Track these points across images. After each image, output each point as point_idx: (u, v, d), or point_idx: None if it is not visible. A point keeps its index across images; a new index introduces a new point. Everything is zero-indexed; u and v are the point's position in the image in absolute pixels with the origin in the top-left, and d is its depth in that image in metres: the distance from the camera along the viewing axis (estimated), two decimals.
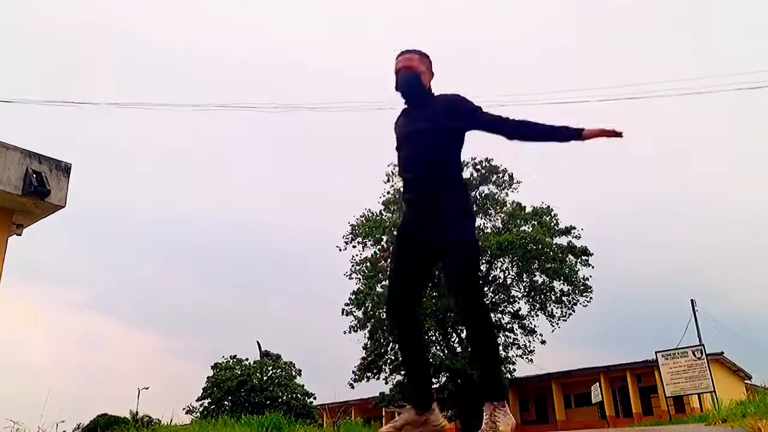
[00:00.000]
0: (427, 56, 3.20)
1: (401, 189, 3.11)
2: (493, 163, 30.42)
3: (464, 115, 3.04)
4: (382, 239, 29.29)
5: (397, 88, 3.14)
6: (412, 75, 3.11)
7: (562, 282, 28.35)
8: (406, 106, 3.18)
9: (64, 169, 5.56)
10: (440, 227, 2.81)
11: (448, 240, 2.78)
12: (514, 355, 28.83)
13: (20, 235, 5.84)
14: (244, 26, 73.87)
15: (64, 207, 5.55)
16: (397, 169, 3.15)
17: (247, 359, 36.73)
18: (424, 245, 2.88)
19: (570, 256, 28.42)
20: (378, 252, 29.69)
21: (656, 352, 21.23)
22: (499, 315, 29.46)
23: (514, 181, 30.27)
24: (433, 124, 3.00)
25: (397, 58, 3.16)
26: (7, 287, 5.46)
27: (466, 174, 30.45)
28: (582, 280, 28.38)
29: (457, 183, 2.99)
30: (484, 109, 3.07)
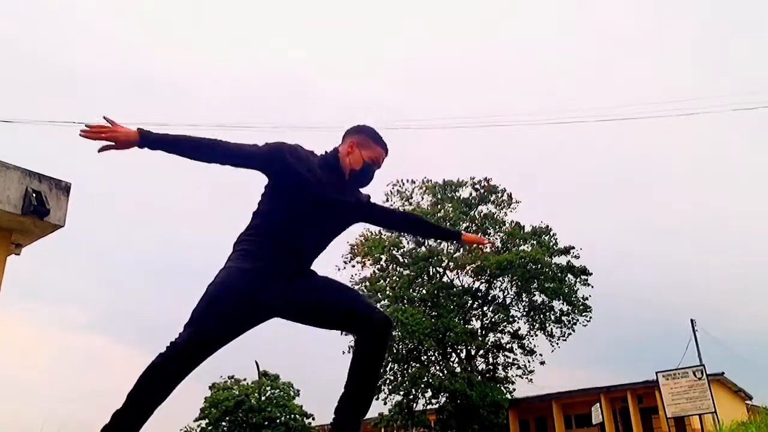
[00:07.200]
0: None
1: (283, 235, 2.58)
2: (492, 183, 30.53)
3: (364, 203, 2.87)
4: (381, 258, 29.30)
5: (369, 180, 2.80)
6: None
7: (561, 302, 28.33)
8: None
9: (64, 188, 5.56)
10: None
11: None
12: (514, 375, 28.74)
13: (19, 254, 5.82)
14: (244, 41, 74.41)
15: (63, 226, 5.54)
16: (290, 215, 2.57)
17: (245, 379, 36.44)
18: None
19: (569, 275, 28.42)
20: (377, 271, 29.71)
21: (656, 373, 21.03)
22: (499, 335, 29.42)
23: (513, 200, 30.37)
24: (353, 206, 2.75)
25: (384, 152, 2.80)
26: (5, 307, 5.46)
27: (465, 193, 30.61)
28: (581, 300, 28.37)
29: None
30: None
